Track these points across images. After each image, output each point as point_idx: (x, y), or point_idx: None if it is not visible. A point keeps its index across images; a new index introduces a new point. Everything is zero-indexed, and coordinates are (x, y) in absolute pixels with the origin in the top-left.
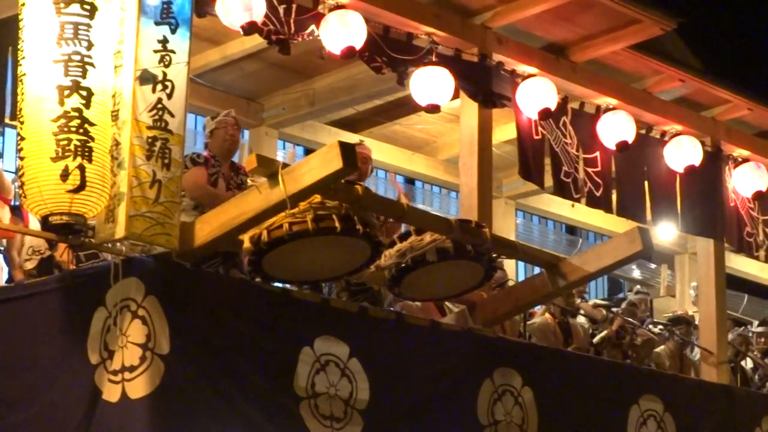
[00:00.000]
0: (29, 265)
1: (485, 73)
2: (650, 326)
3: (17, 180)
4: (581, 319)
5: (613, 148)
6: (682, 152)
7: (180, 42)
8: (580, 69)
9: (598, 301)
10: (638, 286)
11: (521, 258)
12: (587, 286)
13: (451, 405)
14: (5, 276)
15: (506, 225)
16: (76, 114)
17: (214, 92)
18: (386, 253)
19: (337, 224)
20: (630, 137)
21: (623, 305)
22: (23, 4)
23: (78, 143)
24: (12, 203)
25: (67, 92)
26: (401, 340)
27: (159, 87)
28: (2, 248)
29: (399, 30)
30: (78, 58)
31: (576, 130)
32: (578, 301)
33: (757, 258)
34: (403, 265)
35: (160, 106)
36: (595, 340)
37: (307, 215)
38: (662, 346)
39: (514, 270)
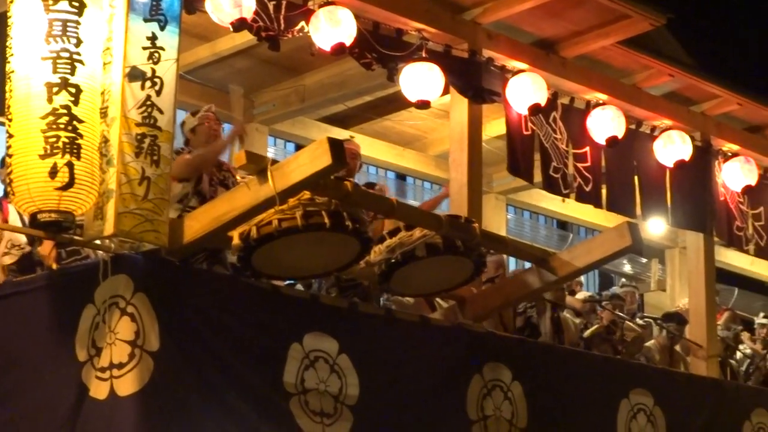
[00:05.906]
0: (8, 260)
1: (475, 69)
2: (638, 320)
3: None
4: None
5: (603, 143)
6: (672, 147)
7: (169, 39)
8: (570, 64)
9: (585, 294)
10: (624, 280)
11: (510, 253)
12: (582, 280)
13: (441, 400)
14: None
15: (497, 220)
16: (65, 111)
17: (205, 89)
18: (376, 249)
19: (326, 220)
20: (620, 132)
21: (609, 299)
22: (11, 1)
23: (66, 140)
24: None
25: (55, 89)
26: (391, 335)
27: (148, 84)
28: None
29: (389, 26)
30: (67, 55)
31: (566, 126)
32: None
33: (747, 252)
34: (393, 260)
35: (149, 103)
36: (586, 334)
37: (297, 211)
38: (652, 341)
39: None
